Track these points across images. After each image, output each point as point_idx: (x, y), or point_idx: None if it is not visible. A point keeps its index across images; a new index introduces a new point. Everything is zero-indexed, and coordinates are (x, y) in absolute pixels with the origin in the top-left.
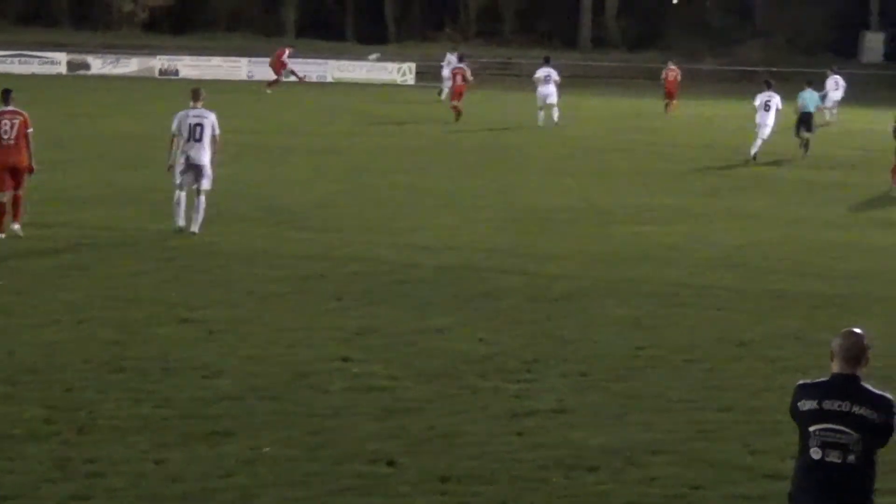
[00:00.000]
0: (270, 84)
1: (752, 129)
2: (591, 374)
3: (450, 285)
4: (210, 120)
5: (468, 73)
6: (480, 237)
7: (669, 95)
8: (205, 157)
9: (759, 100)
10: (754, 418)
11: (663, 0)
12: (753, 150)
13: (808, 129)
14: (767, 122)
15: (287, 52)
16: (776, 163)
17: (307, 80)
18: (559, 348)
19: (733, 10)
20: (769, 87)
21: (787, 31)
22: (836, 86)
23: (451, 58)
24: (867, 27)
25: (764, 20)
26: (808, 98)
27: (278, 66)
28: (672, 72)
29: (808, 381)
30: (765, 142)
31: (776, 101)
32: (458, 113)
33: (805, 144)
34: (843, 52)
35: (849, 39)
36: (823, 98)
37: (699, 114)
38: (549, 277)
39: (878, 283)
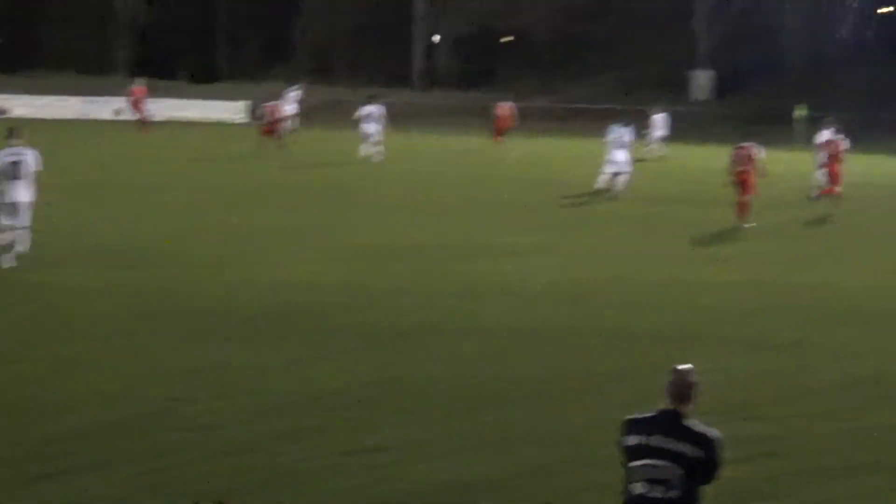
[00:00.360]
0: (143, 126)
1: (584, 165)
2: (426, 410)
3: (282, 322)
4: (29, 157)
5: (282, 110)
6: (313, 274)
7: (499, 132)
8: (23, 194)
9: (611, 135)
10: (588, 453)
11: (494, 39)
12: (600, 185)
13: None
14: (618, 159)
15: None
16: (610, 198)
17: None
18: (394, 384)
19: (562, 49)
20: (625, 124)
21: (616, 69)
22: (660, 123)
23: (292, 94)
24: (695, 65)
25: (593, 59)
26: (616, 131)
27: (139, 106)
28: (503, 108)
29: (636, 415)
30: (615, 176)
31: (628, 136)
32: (275, 141)
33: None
34: (672, 90)
35: (678, 77)
36: (645, 135)
37: (531, 150)
38: (384, 314)
39: (709, 318)
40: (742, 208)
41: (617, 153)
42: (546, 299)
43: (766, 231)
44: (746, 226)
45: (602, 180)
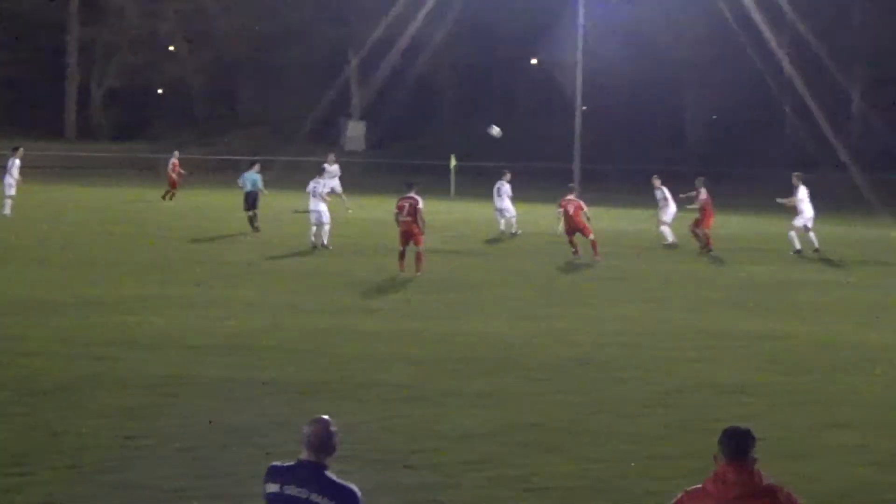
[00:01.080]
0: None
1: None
2: (81, 465)
3: None
4: None
5: None
6: None
7: (173, 184)
8: None
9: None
10: None
11: (149, 90)
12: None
13: (253, 207)
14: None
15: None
16: (270, 251)
17: None
18: (49, 440)
19: (218, 101)
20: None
21: (270, 120)
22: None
23: None
24: (349, 116)
25: (247, 111)
26: (249, 178)
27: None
28: (175, 164)
29: (277, 463)
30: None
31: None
32: None
33: (251, 220)
34: (325, 140)
35: (331, 127)
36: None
37: (193, 204)
38: (37, 370)
39: (367, 368)
40: (417, 258)
41: (315, 202)
42: (205, 350)
43: (431, 281)
44: (419, 274)
45: (311, 232)
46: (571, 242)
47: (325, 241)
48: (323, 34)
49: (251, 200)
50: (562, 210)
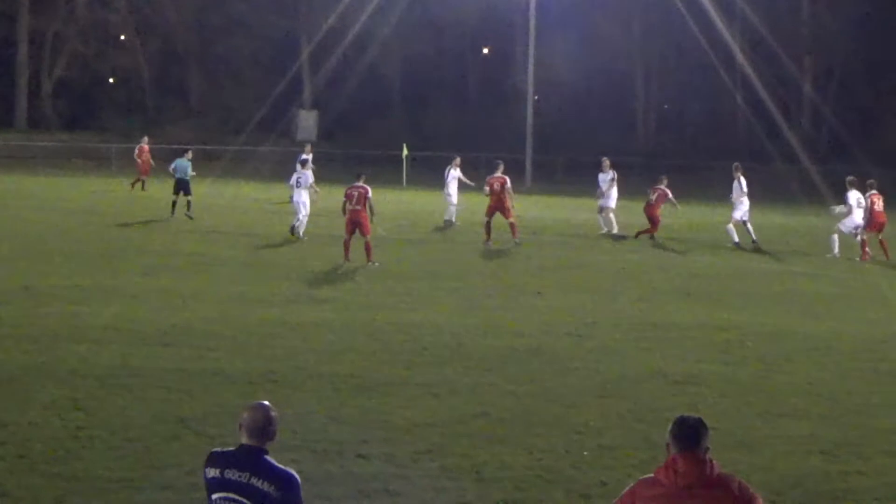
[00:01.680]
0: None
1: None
2: (30, 456)
3: None
4: None
5: None
6: None
7: (144, 172)
8: None
9: (293, 178)
10: (190, 497)
11: (99, 80)
12: (297, 228)
13: (186, 194)
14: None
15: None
16: (219, 241)
17: None
18: None
19: (168, 91)
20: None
21: (221, 110)
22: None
23: None
24: (300, 106)
25: (197, 100)
26: (180, 165)
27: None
28: (143, 150)
29: (219, 449)
30: (305, 218)
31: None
32: None
33: (187, 205)
34: (276, 130)
35: (284, 117)
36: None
37: (143, 193)
38: None
39: (312, 358)
40: (366, 248)
41: (299, 193)
42: (155, 341)
43: (381, 271)
44: (375, 264)
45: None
46: (488, 228)
47: (301, 233)
48: (273, 24)
49: (182, 186)
50: (489, 188)
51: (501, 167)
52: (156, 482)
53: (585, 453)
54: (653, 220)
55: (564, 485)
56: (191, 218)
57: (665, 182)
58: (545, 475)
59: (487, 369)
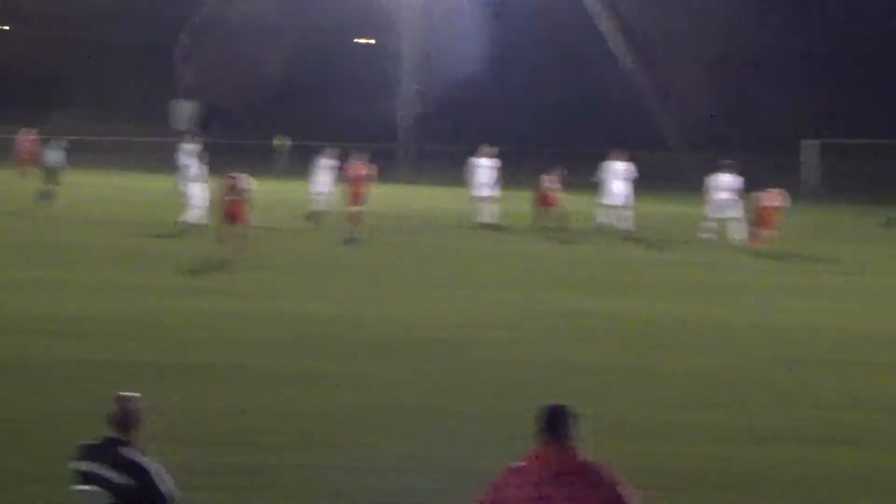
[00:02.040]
0: None
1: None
2: None
3: None
4: None
5: None
6: None
7: (25, 163)
8: None
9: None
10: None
11: None
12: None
13: (56, 182)
14: (197, 192)
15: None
16: (99, 230)
17: None
18: None
19: (46, 81)
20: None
21: (99, 100)
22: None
23: None
24: (178, 96)
25: (76, 90)
26: (51, 154)
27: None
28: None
29: (87, 441)
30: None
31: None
32: None
33: (47, 194)
34: (154, 120)
35: (160, 107)
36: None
37: (25, 185)
38: None
39: (218, 350)
40: (243, 238)
41: (193, 187)
42: (46, 334)
43: (260, 262)
44: (248, 254)
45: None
46: (352, 218)
47: (190, 224)
48: (149, 13)
49: (52, 176)
50: (350, 176)
51: (363, 156)
52: (42, 474)
53: (481, 444)
54: (550, 207)
55: (447, 474)
56: (49, 208)
57: (558, 171)
58: (437, 463)
59: (378, 360)
